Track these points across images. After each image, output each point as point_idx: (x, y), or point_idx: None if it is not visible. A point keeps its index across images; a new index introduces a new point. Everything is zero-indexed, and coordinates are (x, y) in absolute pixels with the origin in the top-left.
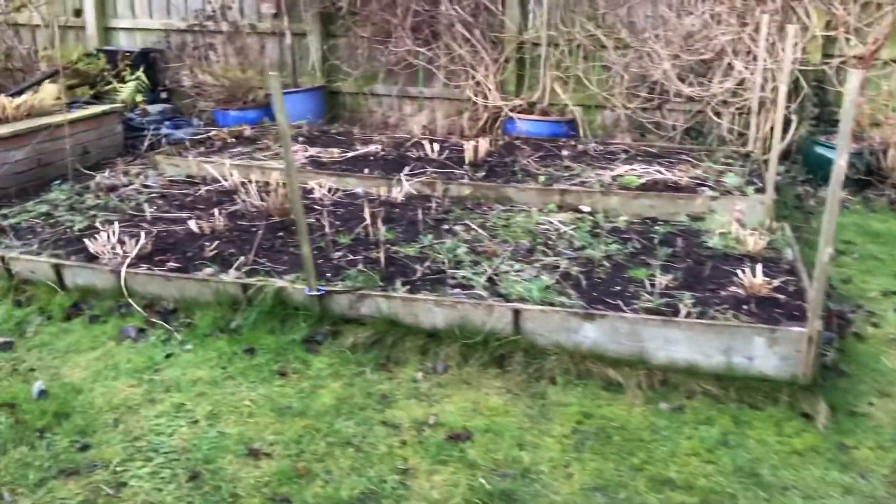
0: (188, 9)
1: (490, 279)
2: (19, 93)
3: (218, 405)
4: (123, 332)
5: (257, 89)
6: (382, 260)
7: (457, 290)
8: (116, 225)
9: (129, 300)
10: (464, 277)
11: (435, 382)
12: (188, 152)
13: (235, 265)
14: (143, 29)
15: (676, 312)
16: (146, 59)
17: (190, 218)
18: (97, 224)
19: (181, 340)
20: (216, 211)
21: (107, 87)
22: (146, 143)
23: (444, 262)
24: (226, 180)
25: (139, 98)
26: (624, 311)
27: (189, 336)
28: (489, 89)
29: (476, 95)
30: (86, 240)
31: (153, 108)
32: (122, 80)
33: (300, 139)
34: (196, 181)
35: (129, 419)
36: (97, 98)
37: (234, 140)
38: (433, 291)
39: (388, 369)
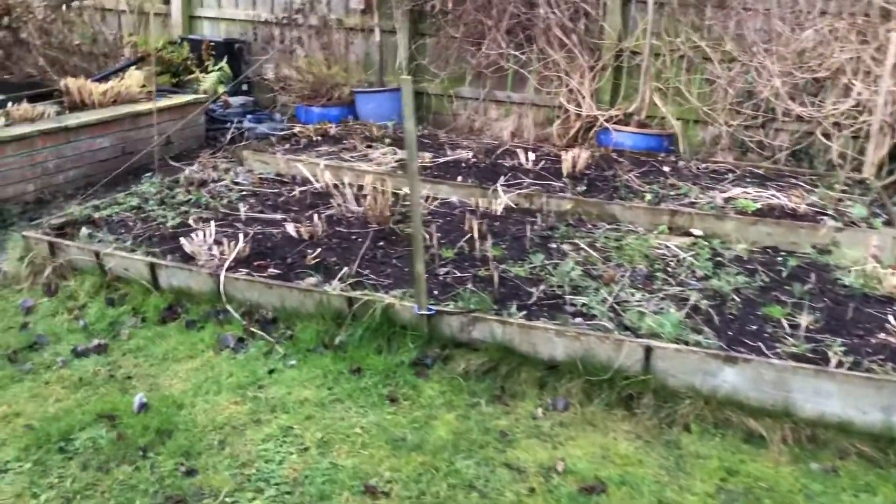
0: (275, 1)
1: (612, 308)
2: (104, 78)
3: (328, 431)
4: (222, 341)
5: (342, 86)
6: (496, 280)
7: (578, 319)
8: (212, 225)
9: (227, 306)
10: (584, 305)
11: (556, 421)
12: (274, 149)
13: (339, 276)
14: (228, 19)
15: (826, 360)
16: (230, 50)
17: (285, 220)
18: (190, 221)
19: (283, 354)
20: (314, 215)
21: (189, 77)
22: (228, 136)
23: (559, 286)
24: (317, 181)
25: (221, 89)
26: (769, 356)
27: (291, 349)
28: (583, 97)
29: (569, 103)
30: (182, 239)
31: (235, 101)
32: (205, 70)
33: (387, 140)
34: (286, 180)
35: (234, 441)
36: (179, 87)
37: (318, 138)
38: (551, 318)
39: (504, 402)
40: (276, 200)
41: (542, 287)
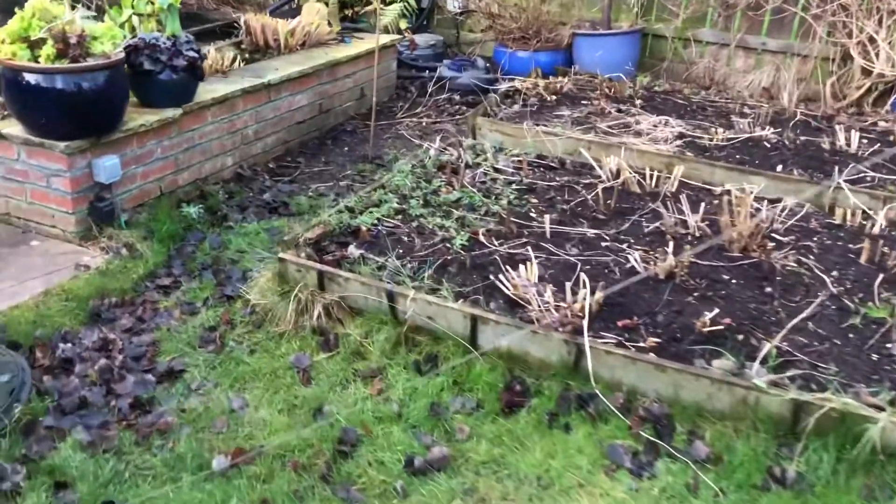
0: None
1: None
2: (277, 11)
3: None
4: (612, 456)
5: (558, 26)
6: None
7: None
8: (532, 256)
9: (597, 391)
10: None
11: None
12: (500, 110)
13: (759, 357)
14: None
15: None
16: None
17: (602, 238)
18: (480, 237)
19: (717, 491)
20: (669, 246)
21: (367, 8)
22: (429, 88)
23: None
24: (599, 166)
25: (403, 24)
26: None
27: (720, 479)
28: (877, 50)
29: (859, 55)
30: (500, 277)
31: (420, 40)
32: (384, 0)
33: (638, 102)
34: (552, 164)
35: None
36: (353, 22)
37: (552, 97)
38: None
39: None
40: (570, 204)
41: None
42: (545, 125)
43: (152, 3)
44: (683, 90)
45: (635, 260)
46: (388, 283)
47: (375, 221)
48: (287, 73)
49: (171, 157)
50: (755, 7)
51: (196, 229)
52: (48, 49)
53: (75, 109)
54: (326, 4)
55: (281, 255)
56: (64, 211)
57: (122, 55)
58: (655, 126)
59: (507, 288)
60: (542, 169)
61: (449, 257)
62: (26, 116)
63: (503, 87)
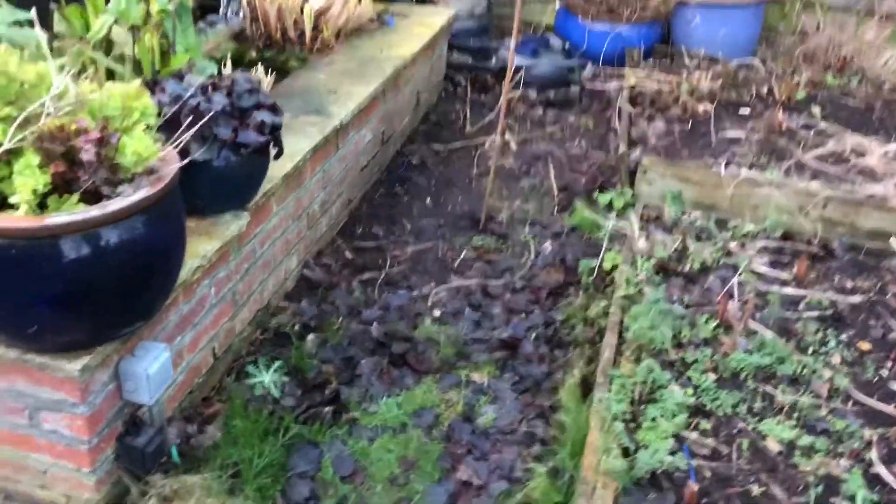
0: None
1: None
2: None
3: None
4: None
5: None
6: None
7: None
8: None
9: None
10: None
11: None
12: (647, 128)
13: None
14: None
15: None
16: None
17: None
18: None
19: None
20: None
21: None
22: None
23: None
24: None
25: None
26: None
27: None
28: None
29: None
30: None
31: (460, 5)
32: None
33: (815, 109)
34: (817, 251)
35: None
36: None
37: (701, 106)
38: None
39: None
40: None
41: None
42: (721, 158)
43: (147, 2)
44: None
45: None
46: None
47: (676, 448)
48: (356, 100)
49: (226, 295)
50: None
51: (291, 432)
52: (32, 179)
53: (100, 292)
54: None
55: None
56: (72, 469)
57: (176, 165)
58: (889, 156)
59: None
60: (817, 263)
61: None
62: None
63: (612, 83)
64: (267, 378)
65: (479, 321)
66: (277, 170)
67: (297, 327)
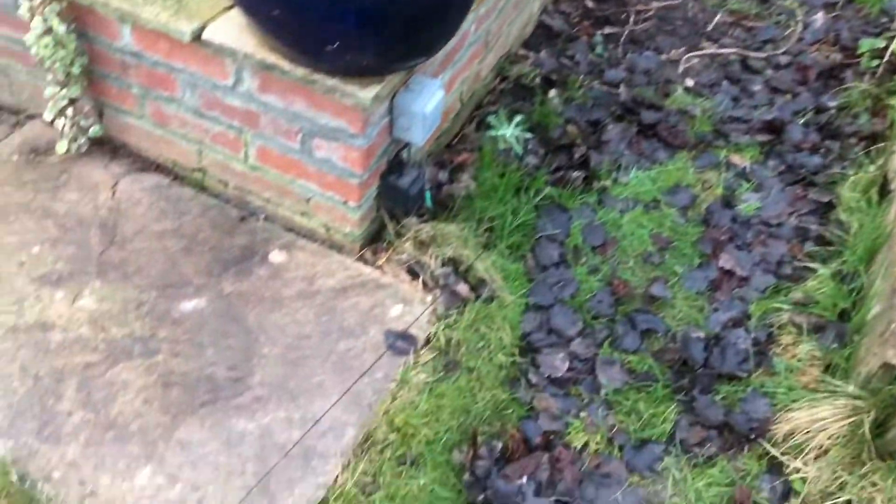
0: None
1: None
2: None
3: None
4: None
5: None
6: None
7: None
8: None
9: None
10: None
11: None
12: None
13: None
14: None
15: None
16: None
17: None
18: None
19: None
20: None
21: None
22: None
23: None
24: None
25: None
26: None
27: None
28: None
29: None
30: None
31: None
32: None
33: None
34: None
35: None
36: None
37: None
38: None
39: None
40: None
41: None
42: None
43: None
44: None
45: None
46: None
47: None
48: None
49: (481, 34)
50: None
51: (543, 193)
52: None
53: (408, 7)
54: None
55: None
56: (338, 201)
57: None
58: None
59: None
60: None
61: None
62: (288, 22)
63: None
64: (509, 131)
65: (738, 97)
66: None
67: (537, 80)
